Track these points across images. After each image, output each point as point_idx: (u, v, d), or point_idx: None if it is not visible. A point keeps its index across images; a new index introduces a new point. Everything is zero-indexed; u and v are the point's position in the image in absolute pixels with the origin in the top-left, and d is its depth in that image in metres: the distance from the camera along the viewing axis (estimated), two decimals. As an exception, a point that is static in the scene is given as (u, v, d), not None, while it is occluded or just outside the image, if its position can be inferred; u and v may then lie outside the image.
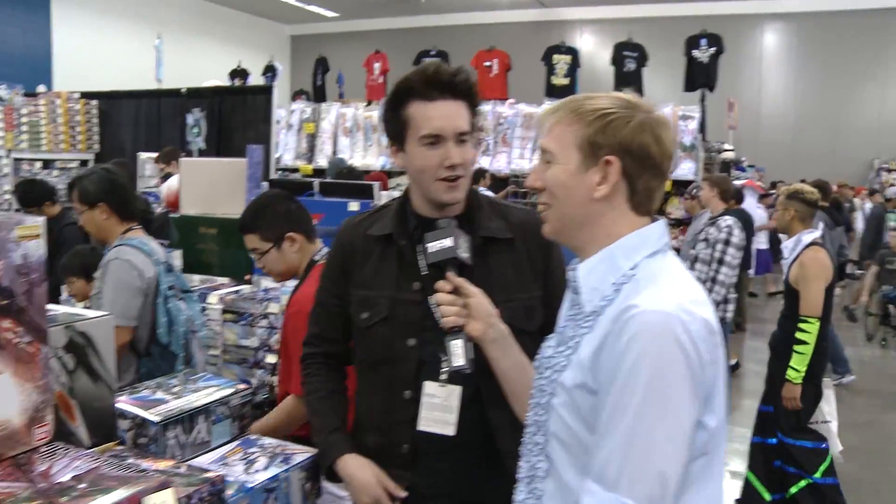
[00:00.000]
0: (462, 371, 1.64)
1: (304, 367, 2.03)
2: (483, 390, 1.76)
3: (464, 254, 1.69)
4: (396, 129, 1.83)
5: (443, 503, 1.84)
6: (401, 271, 1.85)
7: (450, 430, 1.76)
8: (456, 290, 1.66)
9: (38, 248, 1.33)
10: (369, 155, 9.80)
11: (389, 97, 1.85)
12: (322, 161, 9.70)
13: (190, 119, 7.44)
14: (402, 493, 1.80)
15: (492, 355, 1.67)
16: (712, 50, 10.28)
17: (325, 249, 2.74)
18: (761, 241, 11.07)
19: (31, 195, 5.12)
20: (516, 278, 1.85)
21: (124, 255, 2.99)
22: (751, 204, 10.41)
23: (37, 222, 1.32)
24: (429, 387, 1.78)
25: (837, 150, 17.85)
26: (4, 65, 11.45)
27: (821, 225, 5.84)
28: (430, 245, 1.68)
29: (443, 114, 1.77)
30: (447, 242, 1.67)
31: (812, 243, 4.43)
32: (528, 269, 1.86)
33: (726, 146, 10.43)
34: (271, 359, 3.24)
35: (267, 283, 3.70)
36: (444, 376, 1.76)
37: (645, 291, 1.34)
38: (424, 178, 1.81)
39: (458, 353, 1.64)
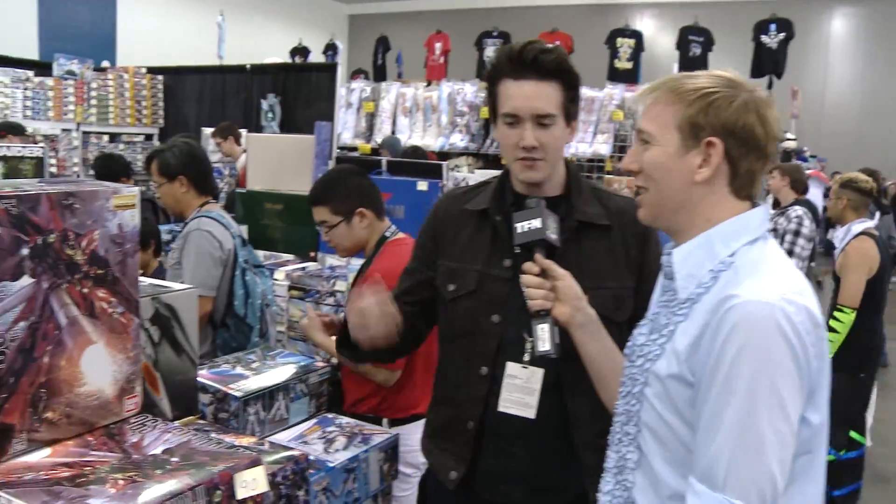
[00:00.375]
0: (547, 356, 1.58)
1: None
2: (563, 377, 1.73)
3: (552, 235, 1.64)
4: (491, 104, 1.83)
5: (514, 488, 1.80)
6: (493, 247, 1.82)
7: (530, 413, 1.73)
8: (544, 273, 1.62)
9: (133, 218, 1.32)
10: (428, 135, 9.74)
11: (487, 72, 1.84)
12: (381, 140, 9.69)
13: (265, 104, 7.46)
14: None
15: (579, 339, 1.63)
16: (781, 35, 9.99)
17: (394, 227, 2.76)
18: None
19: (108, 170, 5.15)
20: (609, 266, 1.79)
21: (205, 227, 3.02)
22: (815, 195, 10.15)
23: (133, 192, 1.31)
24: (511, 368, 1.75)
25: (904, 143, 17.32)
26: (70, 41, 11.65)
27: (877, 215, 5.73)
28: (518, 225, 1.64)
29: (522, 94, 1.73)
30: (535, 223, 1.62)
31: (861, 233, 4.37)
32: (622, 257, 1.81)
33: (788, 135, 10.16)
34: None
35: (333, 260, 3.71)
36: (526, 357, 1.73)
37: (746, 281, 1.28)
38: (506, 155, 1.80)
39: (544, 337, 1.58)
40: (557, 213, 1.76)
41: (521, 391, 1.74)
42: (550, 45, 1.76)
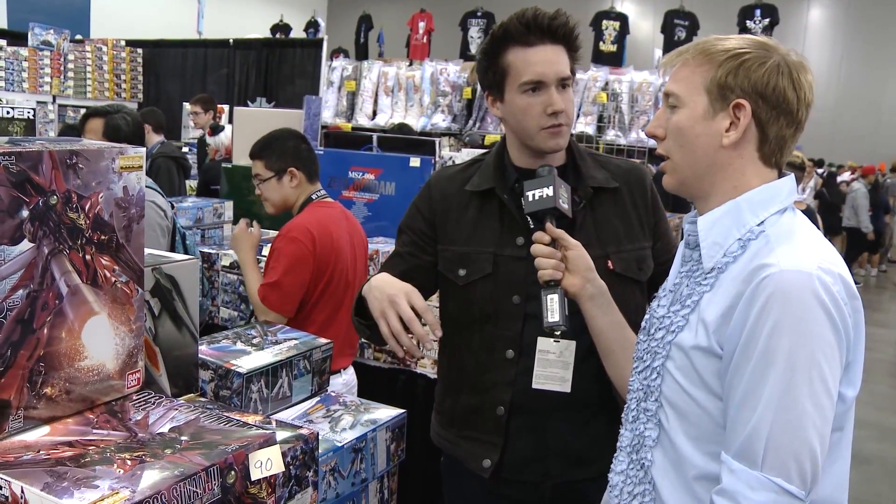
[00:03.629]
0: (556, 327, 1.53)
1: None
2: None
3: (564, 204, 1.59)
4: (495, 78, 1.75)
5: (552, 462, 1.77)
6: (503, 226, 1.77)
7: (566, 387, 1.69)
8: (554, 242, 1.57)
9: (138, 181, 1.23)
10: (410, 115, 9.63)
11: (486, 45, 1.77)
12: (362, 119, 9.56)
13: None
14: (438, 333, 1.64)
15: (588, 312, 1.59)
16: (766, 21, 9.98)
17: (323, 191, 2.94)
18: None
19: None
20: (625, 228, 1.77)
21: (149, 197, 3.08)
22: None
23: (139, 152, 1.22)
24: (542, 343, 1.70)
25: (880, 130, 17.47)
26: (42, 11, 11.36)
27: (808, 191, 6.03)
28: (529, 193, 1.59)
29: (544, 59, 1.69)
30: (548, 192, 1.57)
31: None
32: (635, 218, 1.79)
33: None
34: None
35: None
36: (557, 332, 1.63)
37: (779, 249, 1.22)
38: (527, 127, 1.73)
39: (553, 308, 1.54)
40: (566, 180, 1.72)
41: (555, 366, 1.70)
42: (554, 11, 1.73)
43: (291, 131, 3.04)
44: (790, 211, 1.33)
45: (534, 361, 1.72)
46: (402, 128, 6.29)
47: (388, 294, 1.60)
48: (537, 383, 1.71)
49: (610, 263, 1.72)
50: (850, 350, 1.23)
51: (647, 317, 1.44)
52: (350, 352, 2.89)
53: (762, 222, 1.29)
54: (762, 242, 1.26)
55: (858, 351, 1.25)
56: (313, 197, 2.89)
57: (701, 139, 1.32)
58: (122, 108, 3.27)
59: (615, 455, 1.46)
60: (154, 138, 5.86)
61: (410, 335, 1.57)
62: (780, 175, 1.36)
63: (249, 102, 6.91)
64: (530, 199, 1.59)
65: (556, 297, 1.54)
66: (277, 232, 2.85)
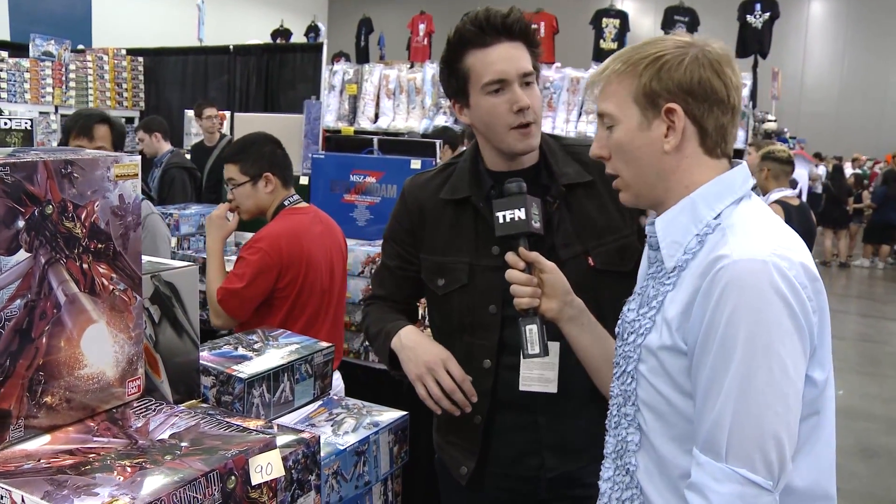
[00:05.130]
0: (537, 357, 1.53)
1: (364, 307, 2.00)
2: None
3: (536, 224, 1.55)
4: (458, 84, 1.73)
5: (550, 455, 1.78)
6: (478, 235, 1.76)
7: (552, 388, 1.70)
8: (529, 266, 1.55)
9: (134, 189, 1.24)
10: (412, 117, 9.65)
11: (445, 53, 1.74)
12: (364, 123, 9.57)
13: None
14: (474, 399, 1.69)
15: (570, 334, 1.58)
16: (766, 15, 9.95)
17: (296, 196, 2.89)
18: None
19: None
20: (604, 220, 1.75)
21: (154, 208, 3.19)
22: (801, 175, 10.16)
23: (134, 160, 1.23)
24: None
25: (883, 123, 17.43)
26: (44, 22, 11.40)
27: (799, 186, 6.10)
28: (499, 215, 1.54)
29: (502, 56, 1.67)
30: (520, 214, 1.53)
31: (775, 201, 4.61)
32: (613, 208, 1.74)
33: (769, 116, 10.17)
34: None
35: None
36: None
37: (734, 239, 1.22)
38: (496, 129, 1.71)
39: (533, 339, 1.52)
40: (539, 180, 1.72)
41: (540, 367, 1.70)
42: (507, 9, 1.71)
43: (267, 136, 3.00)
44: (746, 199, 1.32)
45: (517, 361, 1.72)
46: (446, 130, 6.14)
47: (426, 361, 1.69)
48: (524, 385, 1.72)
49: (590, 260, 1.71)
50: (815, 333, 1.22)
51: (619, 321, 1.44)
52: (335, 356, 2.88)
53: (719, 215, 1.29)
54: (718, 235, 1.26)
55: (824, 333, 1.25)
56: (286, 203, 2.86)
57: (643, 150, 1.32)
58: (95, 112, 3.19)
59: (602, 462, 1.46)
60: (164, 146, 5.89)
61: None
62: (731, 164, 1.35)
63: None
64: (500, 220, 1.54)
65: (534, 327, 1.52)
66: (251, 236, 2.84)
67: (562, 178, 1.75)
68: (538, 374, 1.70)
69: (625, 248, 1.75)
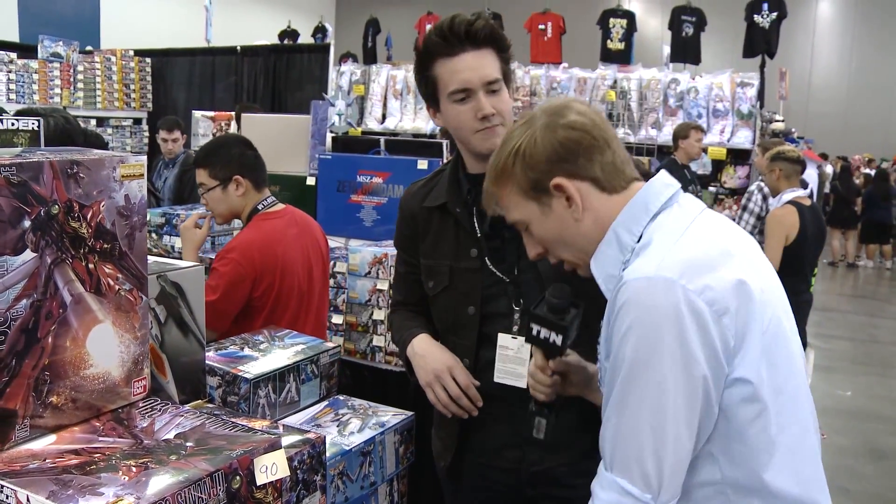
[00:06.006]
0: (537, 440, 1.57)
1: (389, 314, 2.07)
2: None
3: (569, 342, 1.51)
4: (428, 90, 1.78)
5: (530, 450, 1.79)
6: (457, 239, 1.81)
7: (521, 383, 1.71)
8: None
9: (140, 189, 1.24)
10: (419, 118, 9.65)
11: (416, 60, 1.79)
12: (372, 123, 9.57)
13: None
14: (479, 403, 1.76)
15: (593, 399, 1.61)
16: (774, 15, 9.91)
17: (271, 199, 2.84)
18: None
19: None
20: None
21: None
22: (811, 175, 10.12)
23: (140, 161, 1.23)
24: (502, 339, 1.74)
25: (891, 123, 17.35)
26: (52, 24, 11.44)
27: (810, 186, 6.17)
28: (535, 327, 1.50)
29: (467, 66, 1.71)
30: (556, 339, 1.48)
31: (788, 202, 4.63)
32: None
33: (777, 117, 10.13)
34: (337, 318, 3.17)
35: (329, 241, 3.63)
36: (515, 328, 1.73)
37: (635, 260, 1.26)
38: (463, 133, 1.76)
39: (541, 429, 1.56)
40: None
41: (512, 362, 1.73)
42: (473, 15, 1.74)
43: (237, 137, 2.94)
44: (665, 210, 1.34)
45: (494, 357, 1.75)
46: None
47: (434, 368, 1.77)
48: (498, 377, 1.75)
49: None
50: (734, 335, 1.22)
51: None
52: None
53: (640, 237, 1.32)
54: (633, 259, 1.30)
55: (749, 332, 1.24)
56: (259, 207, 2.79)
57: (561, 230, 1.37)
58: (57, 111, 3.15)
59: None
60: (181, 147, 5.93)
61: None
62: (647, 178, 1.38)
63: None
64: (533, 333, 1.50)
65: (544, 422, 1.55)
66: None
67: None
68: (511, 368, 1.73)
69: None
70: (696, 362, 1.20)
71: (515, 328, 1.74)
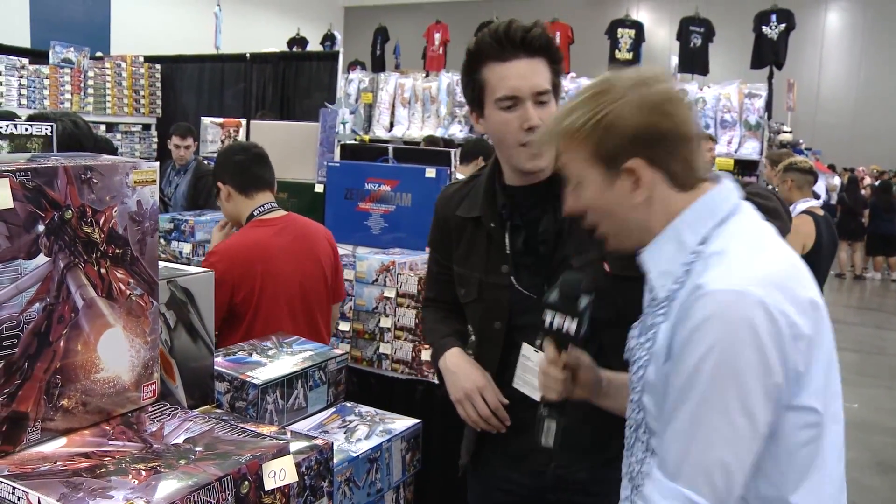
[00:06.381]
0: (546, 448, 1.53)
1: (422, 308, 2.09)
2: (605, 343, 1.68)
3: (583, 332, 1.48)
4: (474, 94, 1.74)
5: (558, 453, 1.76)
6: (489, 253, 1.79)
7: (536, 395, 1.68)
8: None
9: (152, 195, 1.25)
10: (427, 126, 9.67)
11: (465, 61, 1.75)
12: (379, 131, 9.59)
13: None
14: (507, 423, 1.77)
15: (602, 403, 1.61)
16: (782, 26, 9.92)
17: (268, 205, 2.83)
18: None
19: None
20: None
21: None
22: (819, 187, 10.11)
23: (153, 167, 1.24)
24: (525, 349, 1.73)
25: (902, 134, 17.31)
26: (63, 30, 11.51)
27: (822, 197, 6.20)
28: (549, 314, 1.47)
29: (518, 73, 1.67)
30: (570, 325, 1.46)
31: (803, 211, 4.63)
32: None
33: (784, 128, 10.12)
34: (344, 325, 3.18)
35: (339, 250, 3.64)
36: (539, 342, 1.69)
37: (714, 268, 1.21)
38: (506, 143, 1.72)
39: (549, 433, 1.52)
40: (553, 189, 1.69)
41: (530, 373, 1.71)
42: (530, 23, 1.71)
43: (236, 144, 3.02)
44: (733, 216, 1.30)
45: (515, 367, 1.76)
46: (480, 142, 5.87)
47: (464, 387, 1.78)
48: (516, 384, 1.74)
49: (606, 266, 1.70)
50: (801, 360, 1.21)
51: (626, 347, 1.44)
52: None
53: (704, 240, 1.27)
54: (701, 264, 1.25)
55: (816, 357, 1.23)
56: (255, 213, 2.80)
57: (615, 206, 1.32)
58: (67, 115, 3.20)
59: (621, 482, 1.46)
60: (192, 153, 5.99)
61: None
62: (716, 181, 1.33)
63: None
64: (547, 323, 1.48)
65: (554, 426, 1.52)
66: None
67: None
68: (528, 378, 1.71)
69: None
70: (775, 385, 1.19)
71: (539, 342, 1.70)
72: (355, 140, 7.06)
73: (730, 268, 1.21)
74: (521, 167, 1.73)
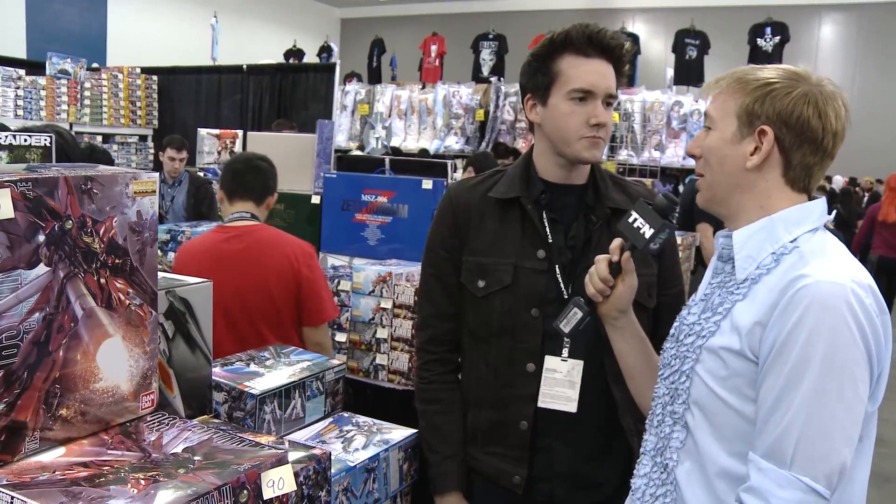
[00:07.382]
0: (560, 332, 1.58)
1: (421, 369, 1.93)
2: (607, 365, 1.70)
3: (654, 246, 1.52)
4: (543, 81, 1.76)
5: (556, 485, 1.77)
6: (524, 237, 1.77)
7: (572, 407, 1.70)
8: (618, 265, 1.56)
9: (152, 206, 1.26)
10: (423, 138, 9.69)
11: (541, 47, 1.77)
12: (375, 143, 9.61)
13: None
14: None
15: (610, 336, 1.63)
16: (777, 39, 10.02)
17: (238, 213, 2.87)
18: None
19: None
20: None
21: None
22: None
23: (153, 177, 1.25)
24: (550, 362, 1.72)
25: (894, 145, 17.36)
26: (59, 41, 11.54)
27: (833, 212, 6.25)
28: (633, 214, 1.53)
29: (596, 71, 1.72)
30: (647, 230, 1.51)
31: None
32: None
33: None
34: (340, 336, 3.18)
35: (334, 260, 3.65)
36: (566, 352, 1.70)
37: (814, 262, 1.29)
38: (566, 134, 1.74)
39: (571, 320, 1.57)
40: (586, 199, 1.77)
41: (561, 385, 1.71)
42: (614, 31, 1.77)
43: (243, 155, 3.14)
44: (822, 231, 1.39)
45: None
46: (396, 151, 6.08)
47: None
48: (543, 402, 1.72)
49: None
50: (882, 358, 1.28)
51: (676, 324, 1.50)
52: None
53: (795, 240, 1.36)
54: (796, 257, 1.33)
55: (885, 365, 1.31)
56: (225, 220, 2.96)
57: (727, 160, 1.41)
58: (51, 126, 3.31)
59: (638, 460, 1.50)
60: (184, 166, 6.00)
61: None
62: (811, 199, 1.42)
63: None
64: (629, 219, 1.54)
65: (579, 314, 1.57)
66: None
67: (608, 200, 1.80)
68: (559, 392, 1.71)
69: (651, 285, 1.80)
70: (871, 377, 1.27)
71: (566, 352, 1.72)
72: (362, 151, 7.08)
73: (831, 264, 1.29)
74: (579, 156, 1.75)
